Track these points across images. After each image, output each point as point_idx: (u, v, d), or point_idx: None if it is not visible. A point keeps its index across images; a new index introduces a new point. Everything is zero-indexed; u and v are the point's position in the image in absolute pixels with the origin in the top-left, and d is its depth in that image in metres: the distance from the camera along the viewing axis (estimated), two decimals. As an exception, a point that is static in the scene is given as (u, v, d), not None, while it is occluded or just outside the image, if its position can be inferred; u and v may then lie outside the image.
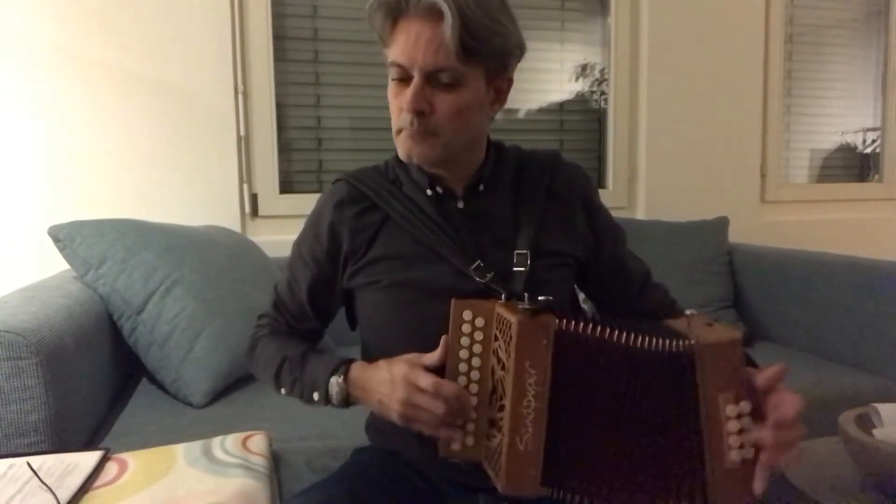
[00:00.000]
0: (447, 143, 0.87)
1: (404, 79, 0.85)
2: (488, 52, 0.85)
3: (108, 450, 1.03)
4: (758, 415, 0.73)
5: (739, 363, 0.72)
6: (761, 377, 0.74)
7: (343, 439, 1.17)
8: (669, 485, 0.74)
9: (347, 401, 0.88)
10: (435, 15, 0.81)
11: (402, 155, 0.89)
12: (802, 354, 1.80)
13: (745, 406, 0.71)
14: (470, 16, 0.80)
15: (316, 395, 0.89)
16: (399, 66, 0.84)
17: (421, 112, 0.84)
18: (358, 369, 0.88)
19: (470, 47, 0.82)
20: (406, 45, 0.83)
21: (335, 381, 0.87)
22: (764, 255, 2.05)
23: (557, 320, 0.75)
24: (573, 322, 0.75)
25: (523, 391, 0.74)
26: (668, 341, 0.73)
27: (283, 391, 0.96)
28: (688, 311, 0.80)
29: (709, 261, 2.06)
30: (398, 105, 0.86)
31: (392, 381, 0.80)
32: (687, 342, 0.73)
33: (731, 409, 0.71)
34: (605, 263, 1.00)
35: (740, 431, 0.72)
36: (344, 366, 0.88)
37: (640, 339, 0.74)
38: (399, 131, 0.88)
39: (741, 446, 0.72)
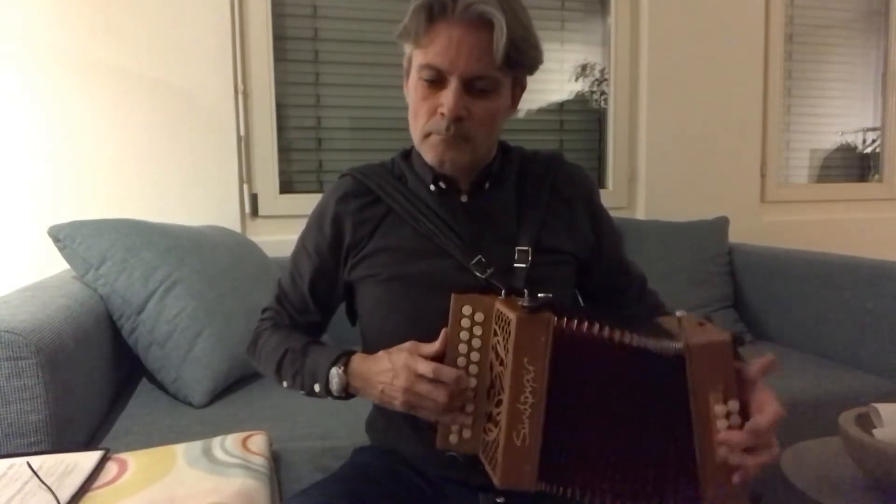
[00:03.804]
0: (477, 149, 0.89)
1: (436, 81, 0.85)
2: (525, 63, 0.86)
3: (108, 450, 1.03)
4: (746, 411, 0.74)
5: (729, 363, 0.74)
6: (752, 369, 0.76)
7: (343, 439, 1.17)
8: (663, 479, 0.75)
9: (347, 391, 0.88)
10: (483, 24, 0.81)
11: (432, 160, 0.89)
12: (802, 354, 1.80)
13: (733, 405, 0.73)
14: (514, 28, 0.81)
15: (317, 387, 0.90)
16: (435, 68, 0.84)
17: (460, 118, 0.84)
18: (358, 361, 0.88)
19: (512, 58, 0.82)
20: (448, 50, 0.82)
21: (335, 372, 0.87)
22: (764, 255, 2.05)
23: (556, 318, 0.75)
24: (572, 320, 0.76)
25: (521, 387, 0.75)
26: (662, 341, 0.74)
27: (284, 384, 0.96)
28: (678, 312, 0.81)
29: (709, 261, 2.06)
30: (429, 107, 0.86)
31: (393, 370, 0.81)
32: (679, 343, 0.74)
33: (720, 409, 0.73)
34: (607, 265, 1.00)
35: (729, 429, 0.73)
36: (344, 357, 0.89)
37: (634, 337, 0.75)
38: (428, 135, 0.87)
39: None
